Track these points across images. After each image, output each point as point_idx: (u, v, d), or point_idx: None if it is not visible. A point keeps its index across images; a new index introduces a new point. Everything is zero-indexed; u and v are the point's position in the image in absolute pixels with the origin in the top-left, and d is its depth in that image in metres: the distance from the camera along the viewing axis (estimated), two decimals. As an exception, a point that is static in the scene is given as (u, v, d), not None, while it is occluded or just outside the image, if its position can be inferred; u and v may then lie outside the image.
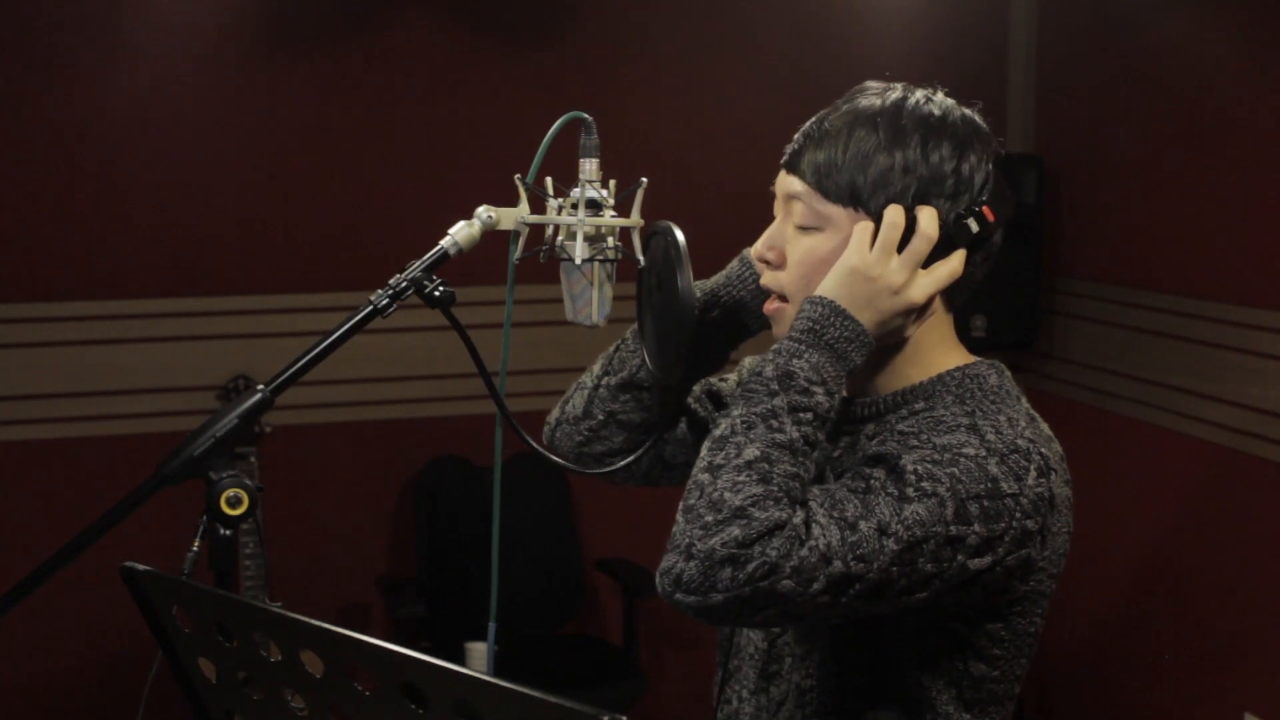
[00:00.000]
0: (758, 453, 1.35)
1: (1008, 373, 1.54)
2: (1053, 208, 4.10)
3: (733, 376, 1.74)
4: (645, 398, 1.63)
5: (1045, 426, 1.49)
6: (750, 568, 1.30)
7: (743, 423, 1.38)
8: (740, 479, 1.34)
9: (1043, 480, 1.41)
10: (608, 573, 3.93)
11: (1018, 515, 1.39)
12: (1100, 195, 4.01)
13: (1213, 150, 3.61)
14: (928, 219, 1.44)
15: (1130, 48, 3.87)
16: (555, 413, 1.72)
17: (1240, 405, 3.52)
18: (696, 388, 1.69)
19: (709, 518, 1.32)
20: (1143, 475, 3.90)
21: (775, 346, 1.44)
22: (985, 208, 1.46)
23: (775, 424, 1.37)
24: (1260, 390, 3.46)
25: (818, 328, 1.42)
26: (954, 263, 1.46)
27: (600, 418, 1.65)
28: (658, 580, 1.36)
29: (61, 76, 3.55)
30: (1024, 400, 1.51)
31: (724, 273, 1.63)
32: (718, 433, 1.40)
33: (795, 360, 1.41)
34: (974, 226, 1.46)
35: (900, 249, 1.44)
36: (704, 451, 1.39)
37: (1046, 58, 4.17)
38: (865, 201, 1.45)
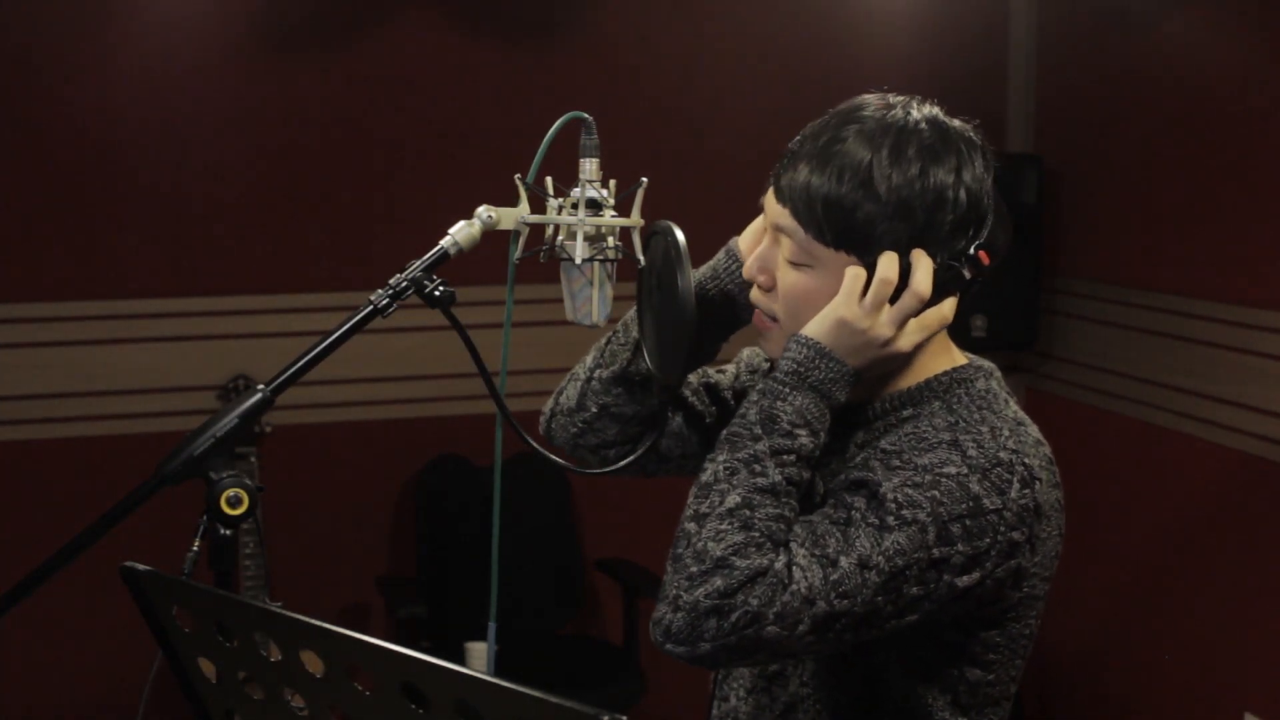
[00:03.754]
0: (739, 499, 1.37)
1: (997, 374, 1.53)
2: (1053, 208, 4.10)
3: (730, 368, 1.74)
4: (638, 391, 1.63)
5: (1034, 430, 1.48)
6: (734, 617, 1.32)
7: (726, 469, 1.40)
8: (723, 527, 1.35)
9: (1026, 491, 1.41)
10: (608, 573, 3.93)
11: (1002, 529, 1.39)
12: (1100, 195, 4.00)
13: (1213, 150, 3.61)
14: (922, 275, 1.41)
15: (1130, 48, 3.87)
16: (550, 404, 1.72)
17: (1240, 405, 3.52)
18: (693, 379, 1.69)
19: (694, 568, 1.35)
20: (1142, 475, 3.90)
21: (760, 387, 1.44)
22: (982, 252, 1.44)
23: (758, 468, 1.38)
24: (1260, 390, 3.46)
25: (802, 370, 1.42)
26: (944, 310, 1.45)
27: (594, 410, 1.65)
28: (651, 630, 1.38)
29: (61, 76, 3.54)
30: (1013, 403, 1.50)
31: (709, 265, 1.62)
32: (703, 478, 1.41)
33: (779, 403, 1.41)
34: (967, 274, 1.44)
35: (892, 299, 1.42)
36: (690, 498, 1.41)
37: (1046, 58, 4.17)
38: (857, 248, 1.42)
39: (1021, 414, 1.50)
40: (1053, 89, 4.16)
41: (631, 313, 1.65)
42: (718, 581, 1.32)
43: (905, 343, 1.44)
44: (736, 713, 1.62)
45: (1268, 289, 3.44)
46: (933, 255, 1.43)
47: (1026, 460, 1.43)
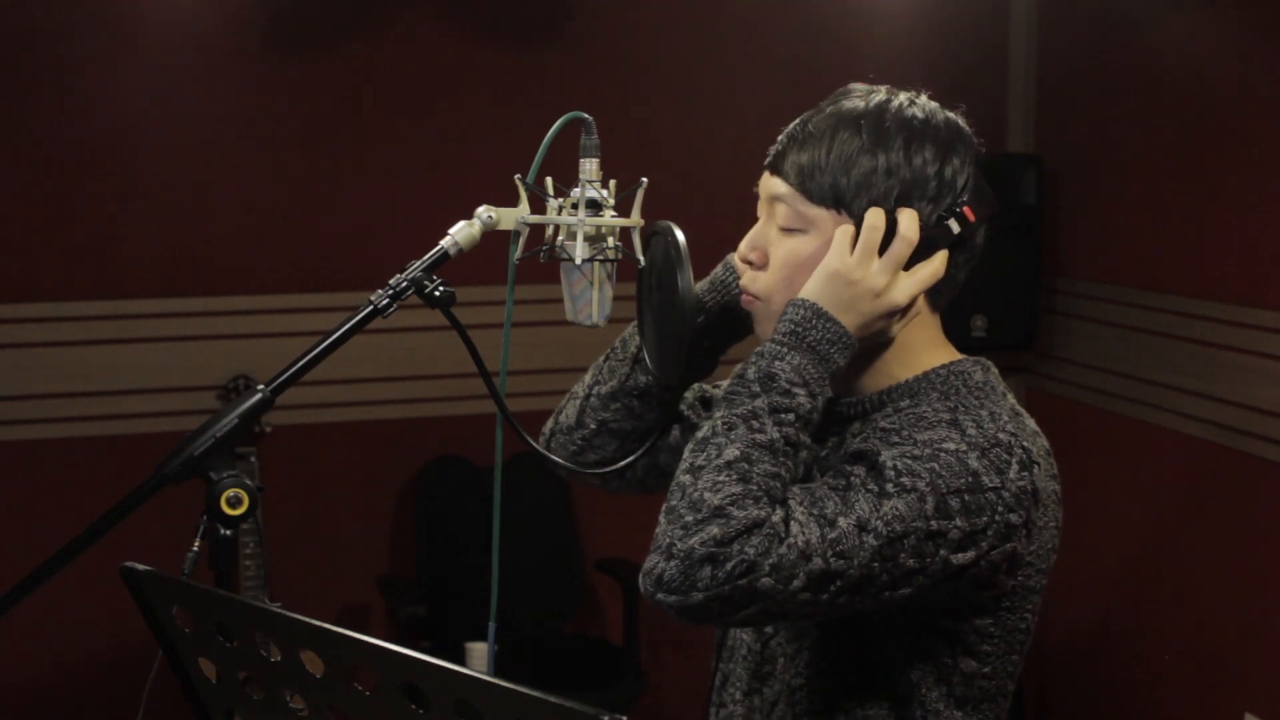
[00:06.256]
0: (738, 453, 1.37)
1: (994, 370, 1.55)
2: (1053, 208, 4.10)
3: (726, 383, 1.74)
4: (636, 406, 1.64)
5: (1031, 422, 1.50)
6: (729, 565, 1.31)
7: (724, 424, 1.40)
8: (720, 479, 1.35)
9: (1025, 474, 1.42)
10: (608, 573, 3.93)
11: (1000, 509, 1.40)
12: (1100, 195, 4.00)
13: (1213, 150, 3.61)
14: (908, 221, 1.45)
15: (1130, 47, 3.87)
16: (550, 423, 1.73)
17: (1240, 405, 3.52)
18: (689, 395, 1.70)
19: (689, 517, 1.34)
20: (1142, 475, 3.90)
21: (758, 349, 1.45)
22: (966, 208, 1.47)
23: (756, 424, 1.39)
24: (1259, 390, 3.46)
25: (800, 330, 1.43)
26: (935, 264, 1.47)
27: (593, 427, 1.66)
28: (640, 581, 1.38)
29: (62, 76, 3.54)
30: (1010, 397, 1.52)
31: (708, 278, 1.64)
32: (700, 434, 1.41)
33: (777, 362, 1.42)
34: (955, 227, 1.47)
35: (882, 252, 1.45)
36: (686, 453, 1.41)
37: (1046, 58, 4.17)
38: (848, 204, 1.46)
39: (1018, 406, 1.51)
40: (1053, 89, 4.16)
41: (630, 328, 1.66)
42: (714, 529, 1.32)
43: (899, 294, 1.46)
44: (733, 717, 1.62)
45: (1268, 289, 3.44)
46: (919, 212, 1.47)
47: (1025, 444, 1.44)
